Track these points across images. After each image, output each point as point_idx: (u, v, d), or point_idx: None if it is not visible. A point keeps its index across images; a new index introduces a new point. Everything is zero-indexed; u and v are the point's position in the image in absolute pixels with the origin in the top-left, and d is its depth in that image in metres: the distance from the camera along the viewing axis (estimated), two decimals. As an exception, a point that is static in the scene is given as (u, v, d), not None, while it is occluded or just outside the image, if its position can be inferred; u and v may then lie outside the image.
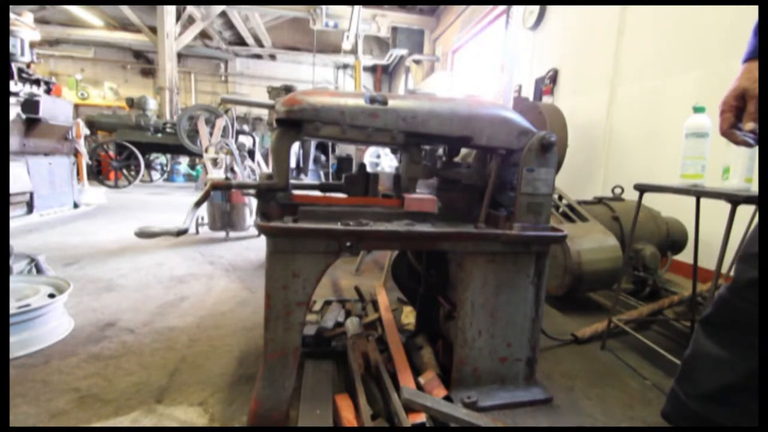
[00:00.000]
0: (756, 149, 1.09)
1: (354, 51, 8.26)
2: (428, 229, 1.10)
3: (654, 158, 2.85)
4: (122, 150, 7.18)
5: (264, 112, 12.04)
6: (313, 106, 1.03)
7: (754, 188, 1.16)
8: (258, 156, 6.22)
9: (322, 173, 7.60)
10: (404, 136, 1.12)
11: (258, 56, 12.14)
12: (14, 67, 3.75)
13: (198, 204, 1.20)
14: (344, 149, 9.65)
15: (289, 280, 1.02)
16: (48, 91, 4.15)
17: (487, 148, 1.22)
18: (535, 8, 4.40)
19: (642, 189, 1.51)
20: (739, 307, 0.83)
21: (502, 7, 5.45)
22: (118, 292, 2.05)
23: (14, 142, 3.66)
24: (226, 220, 3.42)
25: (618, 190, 2.50)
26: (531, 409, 1.21)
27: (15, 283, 1.66)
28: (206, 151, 4.13)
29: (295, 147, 7.04)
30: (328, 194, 1.48)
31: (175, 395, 1.21)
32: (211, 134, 4.83)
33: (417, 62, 9.06)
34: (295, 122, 1.04)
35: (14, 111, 3.60)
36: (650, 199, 1.75)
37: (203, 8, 8.68)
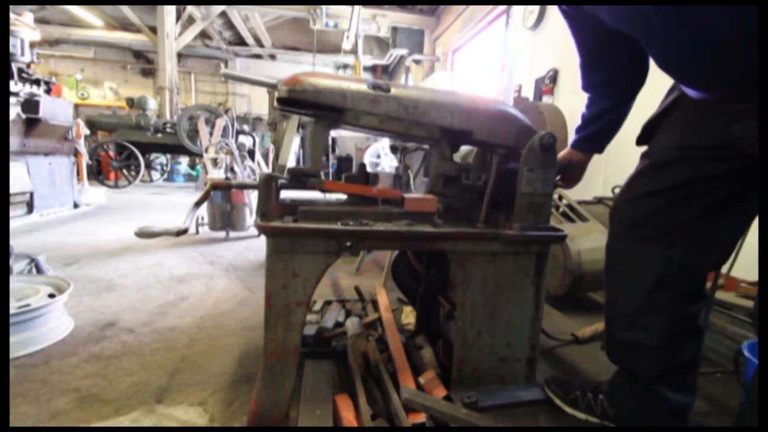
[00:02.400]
0: None
1: (354, 51, 8.25)
2: (428, 229, 1.10)
3: (654, 158, 2.82)
4: (122, 150, 7.18)
5: (264, 112, 12.03)
6: (315, 87, 1.02)
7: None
8: (258, 156, 6.23)
9: (322, 173, 7.60)
10: (440, 130, 1.13)
11: (258, 56, 12.14)
12: (14, 67, 3.75)
13: (198, 204, 1.21)
14: (344, 149, 9.65)
15: (289, 280, 1.01)
16: (48, 91, 4.15)
17: (486, 144, 1.22)
18: (535, 8, 4.39)
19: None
20: (614, 249, 1.09)
21: (502, 7, 5.45)
22: (118, 292, 2.04)
23: (14, 142, 3.66)
24: (226, 220, 3.42)
25: (618, 190, 2.49)
26: (531, 409, 1.21)
27: (15, 283, 1.66)
28: (206, 151, 4.14)
29: (295, 146, 7.03)
30: (327, 194, 1.48)
31: (175, 395, 1.21)
32: (211, 134, 4.83)
33: (417, 62, 9.06)
34: (296, 102, 1.04)
35: (14, 111, 3.60)
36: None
37: (203, 8, 8.68)
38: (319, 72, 1.11)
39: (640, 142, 1.10)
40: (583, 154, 1.25)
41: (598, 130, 1.17)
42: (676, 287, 0.98)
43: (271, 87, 1.15)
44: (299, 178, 1.12)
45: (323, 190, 1.18)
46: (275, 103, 1.08)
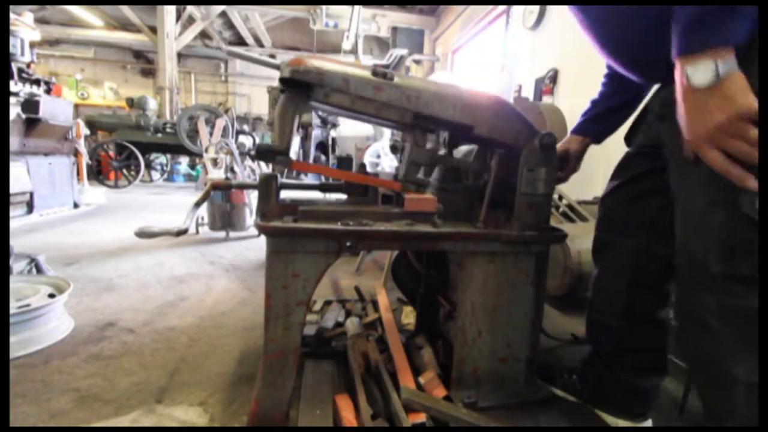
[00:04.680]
0: None
1: (354, 51, 8.26)
2: (428, 229, 1.10)
3: (654, 158, 2.82)
4: (122, 150, 7.18)
5: (264, 112, 12.03)
6: (319, 70, 1.02)
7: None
8: (258, 156, 6.22)
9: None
10: (412, 115, 1.10)
11: (258, 56, 12.14)
12: (14, 67, 3.75)
13: (198, 204, 1.21)
14: (344, 149, 9.65)
15: (289, 280, 1.01)
16: (48, 91, 4.15)
17: (487, 141, 1.21)
18: (535, 8, 4.39)
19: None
20: (593, 239, 1.19)
21: (502, 7, 5.45)
22: (118, 292, 2.04)
23: (14, 142, 3.66)
24: (226, 220, 3.42)
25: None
26: (531, 409, 1.21)
27: (15, 283, 1.66)
28: (206, 151, 4.15)
29: (295, 146, 7.02)
30: (327, 194, 1.48)
31: (175, 395, 1.21)
32: (211, 134, 4.84)
33: (417, 62, 9.05)
34: (299, 83, 1.03)
35: (14, 111, 3.59)
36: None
37: (203, 8, 8.68)
38: (323, 56, 1.10)
39: (627, 142, 1.15)
40: (580, 141, 1.27)
41: (601, 111, 1.23)
42: (632, 273, 1.08)
43: (275, 67, 1.14)
44: (266, 155, 1.08)
45: (315, 188, 1.16)
46: (278, 83, 1.07)
